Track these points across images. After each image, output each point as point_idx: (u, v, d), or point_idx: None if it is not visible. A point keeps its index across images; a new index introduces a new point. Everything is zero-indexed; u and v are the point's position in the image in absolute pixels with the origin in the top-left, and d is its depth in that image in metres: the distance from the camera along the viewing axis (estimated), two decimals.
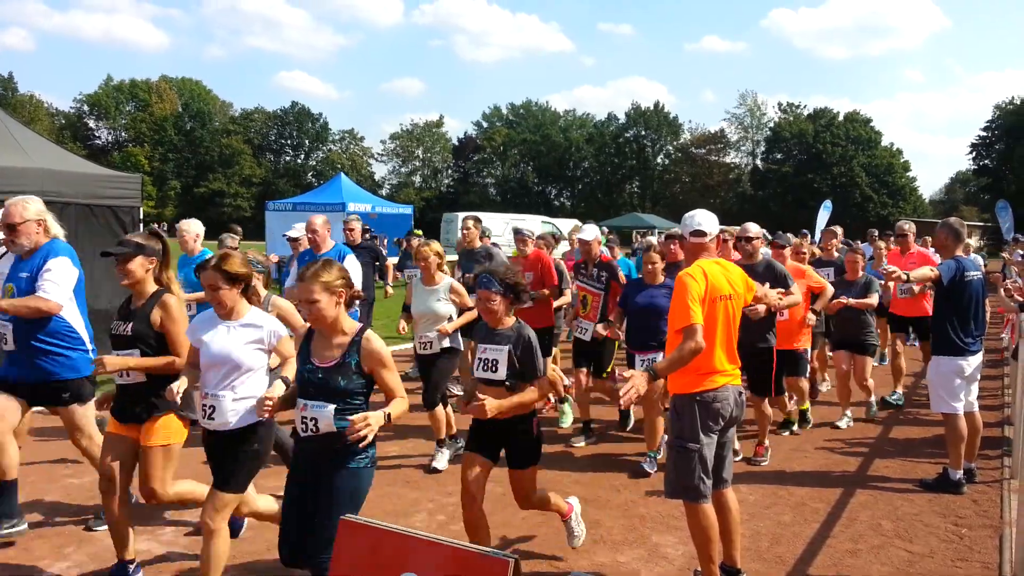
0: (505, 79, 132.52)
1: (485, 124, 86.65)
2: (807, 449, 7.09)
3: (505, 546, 4.78)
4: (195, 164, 77.05)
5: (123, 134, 79.31)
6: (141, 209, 10.28)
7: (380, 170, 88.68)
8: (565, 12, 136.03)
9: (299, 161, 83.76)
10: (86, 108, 79.91)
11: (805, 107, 78.61)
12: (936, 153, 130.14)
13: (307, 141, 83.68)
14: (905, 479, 6.22)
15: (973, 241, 22.14)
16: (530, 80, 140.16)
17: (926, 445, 7.26)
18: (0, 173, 8.59)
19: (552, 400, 7.43)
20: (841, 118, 74.11)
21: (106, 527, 4.35)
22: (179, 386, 3.70)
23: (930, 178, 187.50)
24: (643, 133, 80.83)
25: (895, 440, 7.46)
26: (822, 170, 70.82)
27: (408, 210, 29.90)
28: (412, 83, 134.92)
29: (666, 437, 5.47)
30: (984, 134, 67.64)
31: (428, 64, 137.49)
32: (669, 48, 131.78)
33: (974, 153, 68.63)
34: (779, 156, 76.60)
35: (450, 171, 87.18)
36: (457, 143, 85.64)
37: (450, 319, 6.39)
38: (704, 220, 4.22)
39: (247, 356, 3.76)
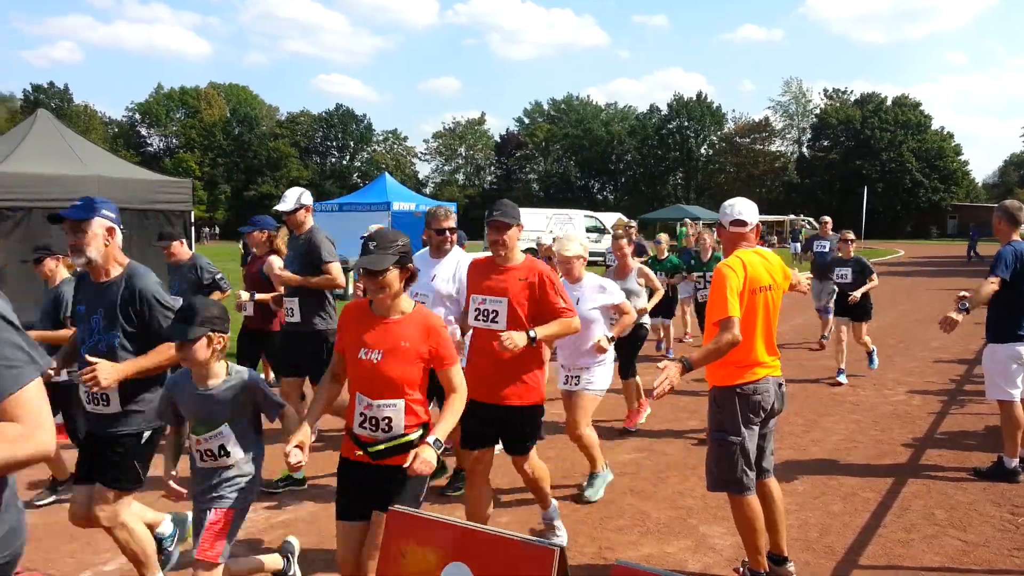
0: (542, 75, 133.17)
1: (527, 120, 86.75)
2: (857, 439, 7.01)
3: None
4: (244, 168, 78.43)
5: (174, 140, 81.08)
6: (193, 213, 10.54)
7: (424, 169, 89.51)
8: (599, 5, 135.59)
9: (344, 162, 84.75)
10: (138, 116, 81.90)
11: (852, 93, 77.26)
12: (986, 135, 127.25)
13: (352, 143, 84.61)
14: (959, 468, 6.11)
15: None
16: (566, 75, 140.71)
17: (978, 434, 7.12)
18: (58, 181, 8.90)
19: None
20: (889, 103, 72.60)
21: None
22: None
23: (983, 161, 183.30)
24: (686, 124, 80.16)
25: (947, 429, 7.32)
26: (871, 156, 69.53)
27: (452, 208, 30.05)
28: (450, 82, 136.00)
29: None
30: None
31: (465, 63, 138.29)
32: (705, 38, 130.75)
33: None
34: (826, 143, 75.39)
35: (493, 168, 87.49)
36: (499, 140, 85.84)
37: None
38: (744, 209, 4.16)
39: None
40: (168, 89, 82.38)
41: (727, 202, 4.26)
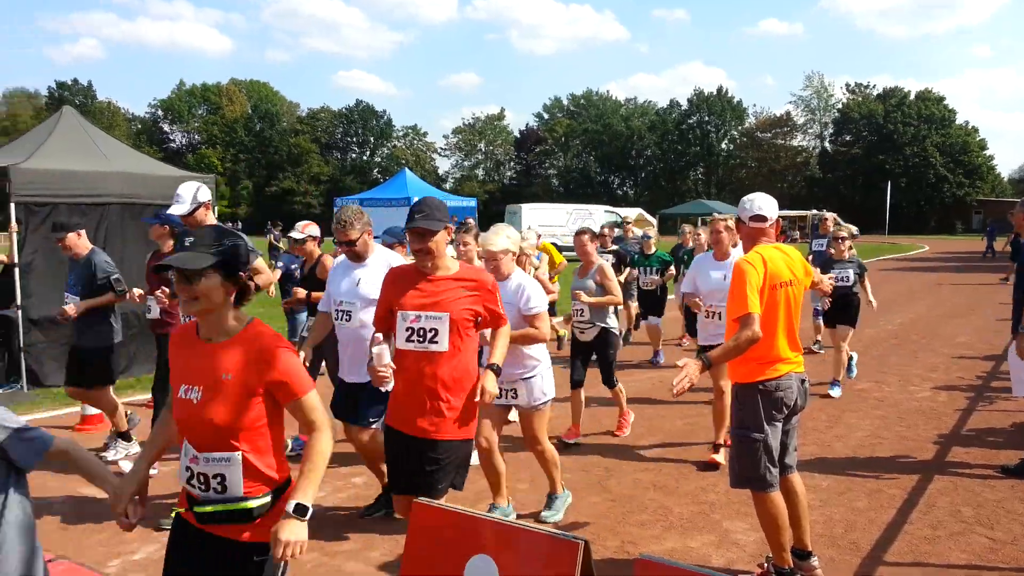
0: (561, 70, 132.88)
1: (546, 115, 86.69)
2: (882, 435, 6.95)
3: (576, 528, 4.82)
4: (265, 164, 78.91)
5: (196, 137, 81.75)
6: (216, 209, 10.59)
7: (443, 164, 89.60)
8: (618, 0, 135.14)
9: (365, 158, 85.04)
10: (160, 113, 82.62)
11: (874, 87, 76.55)
12: (1013, 130, 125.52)
13: (372, 138, 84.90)
14: (986, 465, 6.05)
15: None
16: (586, 70, 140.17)
17: (1006, 431, 7.04)
18: (83, 178, 8.99)
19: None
20: (913, 97, 71.89)
21: None
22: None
23: (1009, 156, 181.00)
24: (707, 119, 79.76)
25: (973, 426, 7.25)
26: (894, 151, 68.92)
27: (472, 203, 30.09)
28: (469, 77, 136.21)
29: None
30: None
31: (484, 58, 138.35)
32: (726, 32, 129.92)
33: None
34: (848, 138, 74.80)
35: (512, 163, 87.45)
36: (519, 135, 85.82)
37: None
38: (764, 204, 4.12)
39: None
40: (190, 86, 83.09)
41: (746, 197, 4.22)
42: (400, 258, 5.02)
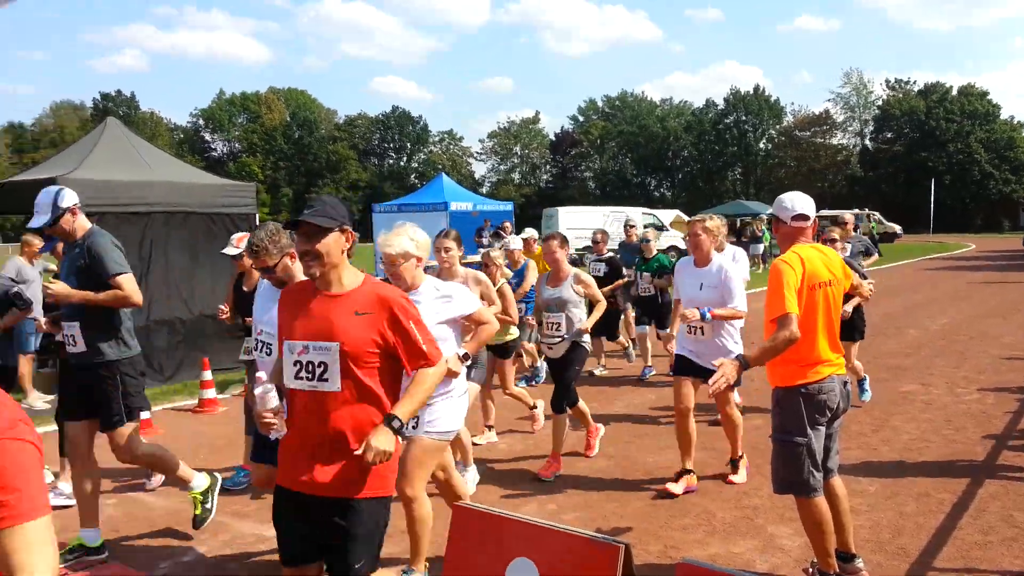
0: (595, 71, 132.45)
1: (581, 118, 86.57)
2: (929, 438, 6.81)
3: (617, 532, 4.79)
4: (304, 171, 79.94)
5: (237, 145, 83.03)
6: (257, 216, 10.73)
7: (480, 168, 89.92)
8: None
9: (402, 164, 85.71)
10: (201, 122, 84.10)
11: (915, 83, 75.19)
12: None
13: (409, 144, 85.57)
14: None
15: None
16: (620, 71, 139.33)
17: None
18: (127, 188, 9.17)
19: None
20: (955, 92, 70.46)
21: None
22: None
23: None
24: (744, 118, 78.93)
25: None
26: (936, 148, 67.57)
27: (508, 207, 30.10)
28: (503, 81, 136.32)
29: None
30: None
31: (518, 62, 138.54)
32: (761, 30, 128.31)
33: None
34: (889, 135, 73.51)
35: (548, 166, 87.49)
36: (554, 138, 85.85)
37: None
38: (804, 203, 4.07)
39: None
40: (230, 95, 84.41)
41: (784, 197, 4.16)
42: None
